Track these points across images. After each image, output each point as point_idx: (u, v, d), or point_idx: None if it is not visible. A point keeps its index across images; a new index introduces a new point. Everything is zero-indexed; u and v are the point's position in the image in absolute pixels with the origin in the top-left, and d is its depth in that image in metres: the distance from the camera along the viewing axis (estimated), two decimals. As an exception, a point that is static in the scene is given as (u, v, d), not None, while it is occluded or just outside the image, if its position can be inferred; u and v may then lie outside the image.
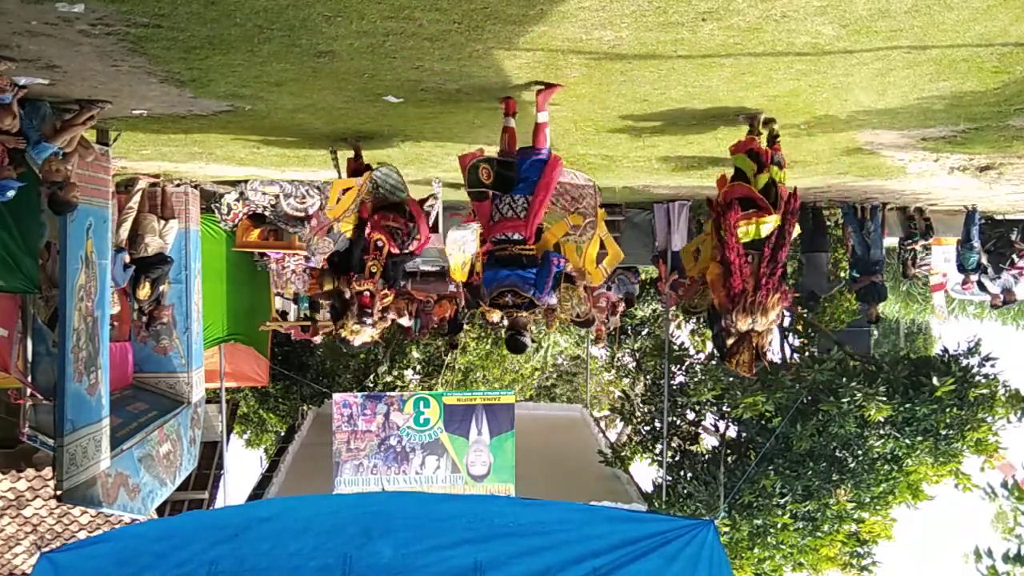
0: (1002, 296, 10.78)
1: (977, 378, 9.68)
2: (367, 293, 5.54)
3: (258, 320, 11.95)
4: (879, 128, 5.54)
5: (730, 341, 4.86)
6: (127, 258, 7.42)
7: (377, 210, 5.76)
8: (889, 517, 10.42)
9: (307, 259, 11.72)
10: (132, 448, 7.17)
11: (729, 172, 5.23)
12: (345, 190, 5.89)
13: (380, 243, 5.62)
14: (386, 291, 5.70)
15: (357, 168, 6.12)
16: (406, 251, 5.82)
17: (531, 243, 4.84)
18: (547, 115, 4.69)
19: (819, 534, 9.92)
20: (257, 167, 7.85)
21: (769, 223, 4.85)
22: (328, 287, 6.07)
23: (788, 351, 12.06)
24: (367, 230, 5.65)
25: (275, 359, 16.09)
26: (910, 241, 10.80)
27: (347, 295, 5.57)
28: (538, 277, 4.84)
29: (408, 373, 20.54)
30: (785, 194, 4.96)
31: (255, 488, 13.48)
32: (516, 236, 4.85)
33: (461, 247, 6.04)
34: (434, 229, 7.46)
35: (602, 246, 5.94)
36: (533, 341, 5.73)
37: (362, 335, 5.66)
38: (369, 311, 5.52)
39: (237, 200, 9.11)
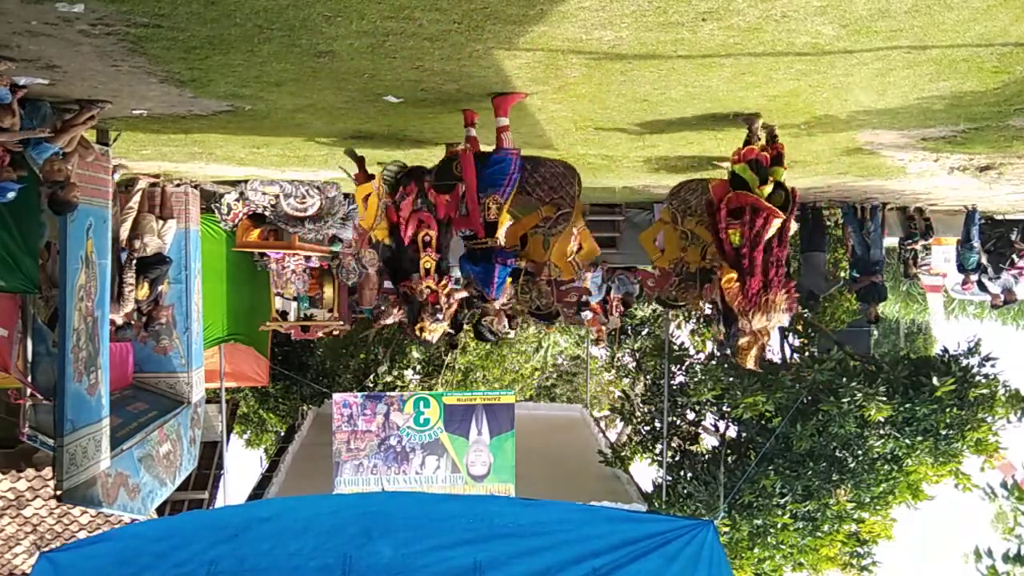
0: (1003, 296, 10.78)
1: (977, 378, 9.69)
2: (430, 290, 5.58)
3: (258, 320, 11.94)
4: (879, 128, 5.54)
5: (743, 340, 4.97)
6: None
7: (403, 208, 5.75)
8: (889, 517, 10.43)
9: (307, 259, 11.73)
10: (132, 448, 7.17)
11: (723, 174, 5.27)
12: (366, 197, 5.86)
13: (428, 238, 5.58)
14: (444, 280, 5.70)
15: (362, 176, 6.16)
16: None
17: (482, 237, 5.06)
18: (506, 120, 4.83)
19: (819, 534, 9.93)
20: (257, 167, 7.85)
21: (774, 226, 4.92)
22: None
23: (788, 351, 12.06)
24: (405, 231, 5.60)
25: (275, 359, 16.08)
26: (910, 241, 10.80)
27: (417, 299, 5.59)
28: (484, 274, 5.08)
29: (408, 373, 20.55)
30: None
31: (255, 488, 13.49)
32: (468, 232, 5.10)
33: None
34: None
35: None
36: (494, 335, 5.80)
37: (438, 331, 5.71)
38: (439, 306, 5.56)
39: (237, 200, 9.11)
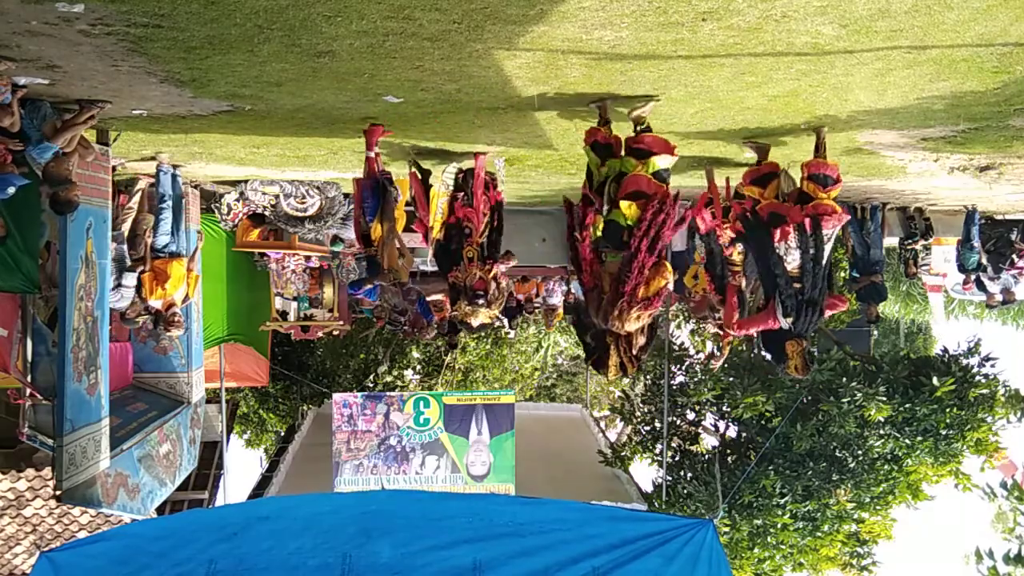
0: (1000, 296, 10.79)
1: (977, 378, 9.70)
2: (478, 277, 5.90)
3: (258, 320, 11.94)
4: (879, 128, 5.54)
5: (587, 338, 4.94)
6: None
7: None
8: (889, 517, 10.44)
9: (307, 259, 11.73)
10: (132, 448, 7.17)
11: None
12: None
13: (468, 230, 6.01)
14: (489, 266, 5.99)
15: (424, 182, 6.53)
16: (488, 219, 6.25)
17: (362, 249, 5.89)
18: (372, 152, 5.71)
19: (819, 534, 9.93)
20: (257, 167, 7.85)
21: (598, 222, 4.74)
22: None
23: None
24: (452, 220, 6.10)
25: (275, 359, 16.09)
26: (910, 241, 10.80)
27: (460, 285, 5.98)
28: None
29: (408, 373, 20.56)
30: (630, 187, 4.66)
31: (255, 488, 13.49)
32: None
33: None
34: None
35: None
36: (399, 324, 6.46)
37: (479, 316, 5.93)
38: (483, 292, 5.84)
39: (237, 200, 9.10)
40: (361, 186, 6.03)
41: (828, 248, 5.21)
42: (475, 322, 5.97)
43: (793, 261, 5.20)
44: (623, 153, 4.84)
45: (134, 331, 8.37)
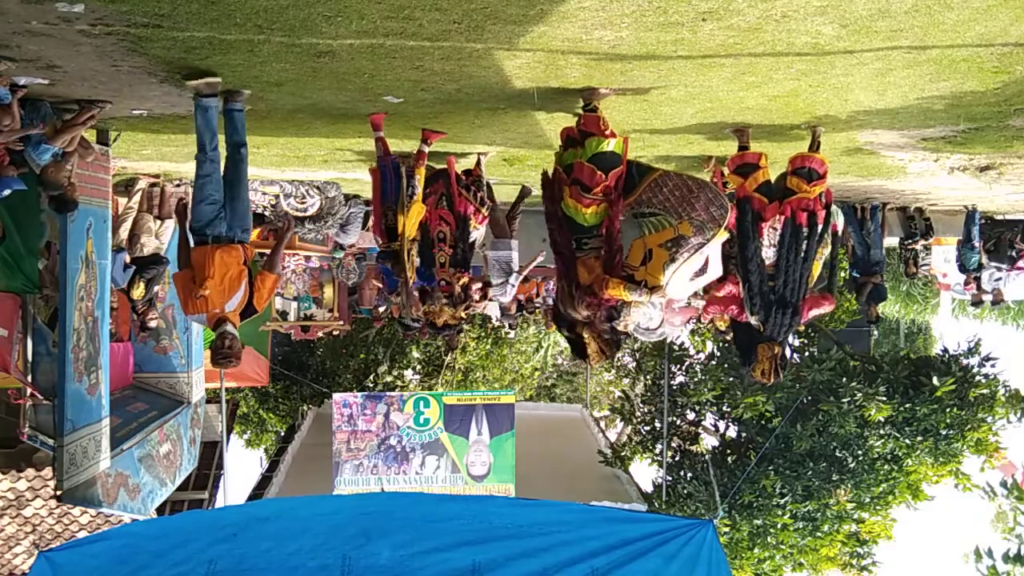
0: (990, 296, 10.83)
1: (977, 378, 9.70)
2: (444, 282, 6.00)
3: (258, 320, 11.95)
4: (879, 128, 5.53)
5: (565, 332, 4.86)
6: (127, 258, 7.42)
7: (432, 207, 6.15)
8: (889, 517, 10.44)
9: (307, 259, 11.74)
10: (132, 448, 7.18)
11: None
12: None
13: (442, 235, 6.03)
14: (459, 274, 6.04)
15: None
16: (470, 229, 6.21)
17: (385, 242, 5.74)
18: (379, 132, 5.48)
19: (819, 534, 9.94)
20: (257, 167, 7.85)
21: (570, 205, 4.57)
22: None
23: (788, 351, 12.06)
24: (431, 224, 6.04)
25: (275, 359, 16.11)
26: (910, 241, 10.81)
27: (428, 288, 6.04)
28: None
29: (408, 373, 20.56)
30: (574, 175, 4.51)
31: (255, 488, 13.50)
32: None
33: None
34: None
35: None
36: (416, 322, 6.33)
37: (443, 316, 6.07)
38: (448, 294, 5.97)
39: (237, 200, 9.09)
40: (379, 172, 5.73)
41: (808, 246, 4.93)
42: (439, 321, 6.09)
43: (768, 259, 4.96)
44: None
45: (133, 330, 8.38)
